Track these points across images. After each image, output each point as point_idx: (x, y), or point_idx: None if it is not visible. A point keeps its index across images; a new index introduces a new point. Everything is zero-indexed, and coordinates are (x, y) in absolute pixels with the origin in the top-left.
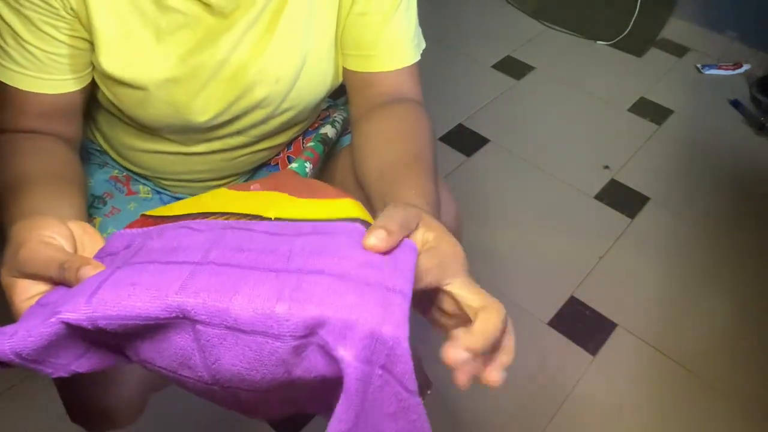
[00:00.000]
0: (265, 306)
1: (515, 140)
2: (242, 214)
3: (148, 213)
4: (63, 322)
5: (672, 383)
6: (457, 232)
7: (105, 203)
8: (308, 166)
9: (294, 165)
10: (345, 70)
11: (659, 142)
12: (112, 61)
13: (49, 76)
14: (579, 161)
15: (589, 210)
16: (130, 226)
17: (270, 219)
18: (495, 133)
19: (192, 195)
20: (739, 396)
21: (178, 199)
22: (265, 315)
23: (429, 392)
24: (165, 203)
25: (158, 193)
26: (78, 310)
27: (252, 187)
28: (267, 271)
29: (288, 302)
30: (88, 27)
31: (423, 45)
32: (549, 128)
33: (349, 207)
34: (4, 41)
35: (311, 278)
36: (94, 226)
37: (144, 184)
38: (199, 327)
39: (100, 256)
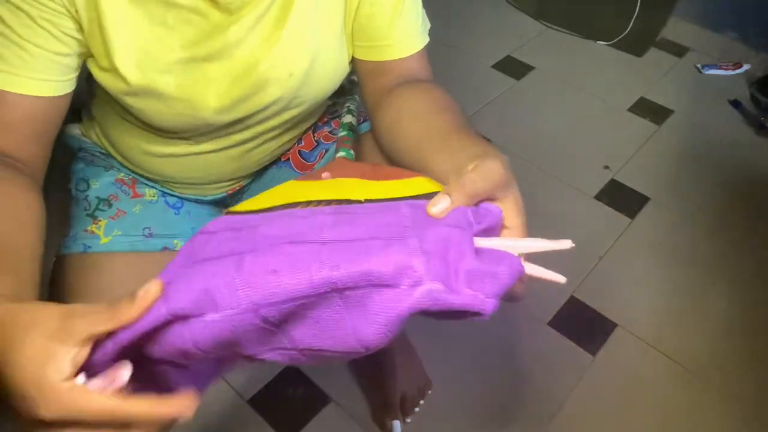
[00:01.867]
0: (403, 259)
1: (515, 140)
2: (331, 200)
3: (232, 209)
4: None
5: (672, 383)
6: None
7: (110, 206)
8: (353, 152)
9: (342, 153)
10: (355, 59)
11: (659, 142)
12: (125, 61)
13: (37, 75)
14: (579, 161)
15: (589, 210)
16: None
17: (361, 201)
18: (495, 133)
19: (199, 196)
20: (739, 396)
21: (185, 200)
22: (405, 266)
23: (429, 392)
24: (170, 206)
25: (164, 195)
26: (237, 300)
27: (323, 175)
28: (389, 239)
29: (420, 256)
30: (99, 31)
31: (428, 25)
32: (549, 128)
33: (426, 183)
34: None
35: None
36: (99, 228)
37: (151, 187)
38: (347, 293)
39: (203, 232)
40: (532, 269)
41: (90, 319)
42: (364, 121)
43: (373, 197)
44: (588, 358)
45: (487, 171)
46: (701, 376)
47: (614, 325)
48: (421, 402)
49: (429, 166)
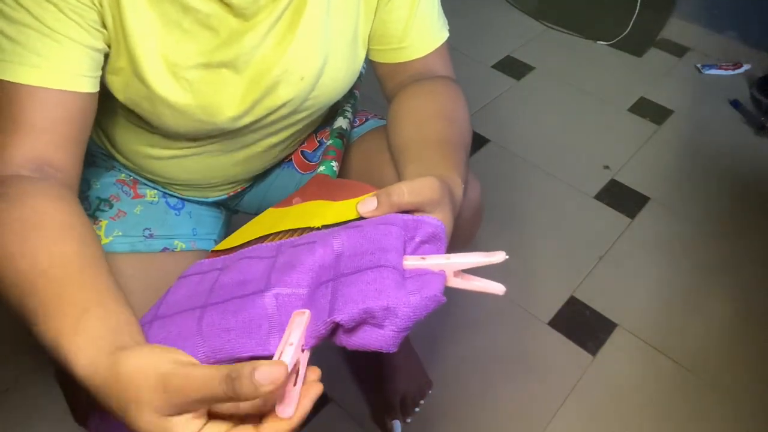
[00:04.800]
0: (318, 324)
1: (515, 140)
2: (293, 229)
3: (215, 248)
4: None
5: (672, 383)
6: (479, 209)
7: (111, 206)
8: (334, 164)
9: (322, 168)
10: (372, 61)
11: (659, 142)
12: (147, 62)
13: (76, 69)
14: (579, 161)
15: (589, 210)
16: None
17: (318, 228)
18: (495, 133)
19: (201, 198)
20: (738, 396)
21: (186, 201)
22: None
23: (429, 392)
24: (171, 207)
25: (165, 196)
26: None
27: (294, 201)
28: (320, 284)
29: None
30: (122, 30)
31: (446, 21)
32: (549, 128)
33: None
34: (17, 28)
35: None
36: (100, 228)
37: (152, 188)
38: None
39: (188, 274)
40: (468, 284)
41: (205, 396)
42: (366, 120)
43: (329, 222)
44: (588, 358)
45: (418, 186)
46: (701, 376)
47: (614, 325)
48: (421, 402)
49: (402, 172)
